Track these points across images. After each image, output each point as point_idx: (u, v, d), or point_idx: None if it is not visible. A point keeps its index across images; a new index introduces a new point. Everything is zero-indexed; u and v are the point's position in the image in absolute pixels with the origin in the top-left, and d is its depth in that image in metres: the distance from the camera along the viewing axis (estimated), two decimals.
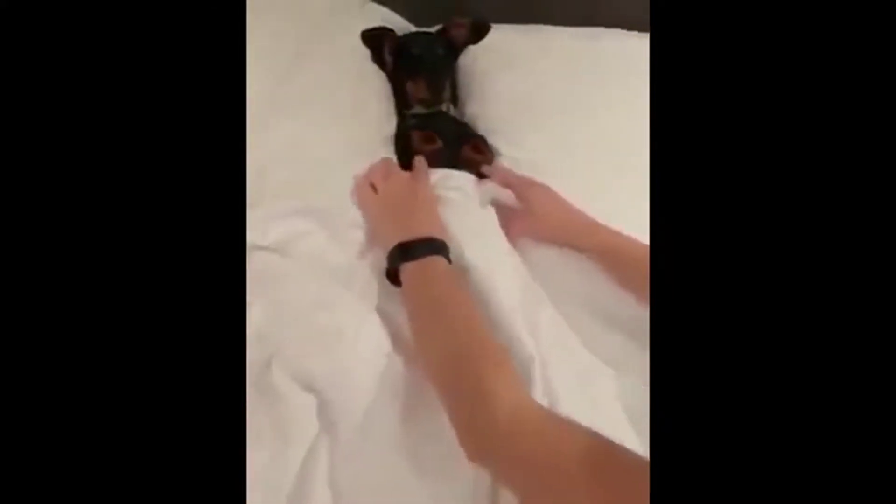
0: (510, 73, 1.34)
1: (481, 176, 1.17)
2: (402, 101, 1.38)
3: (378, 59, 1.37)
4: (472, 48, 1.41)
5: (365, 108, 1.29)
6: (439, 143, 1.25)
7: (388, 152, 1.24)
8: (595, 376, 0.90)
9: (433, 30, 1.43)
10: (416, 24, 1.48)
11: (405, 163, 1.16)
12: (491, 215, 1.05)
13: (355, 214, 1.01)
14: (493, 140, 1.29)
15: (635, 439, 0.79)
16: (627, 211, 1.14)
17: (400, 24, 1.46)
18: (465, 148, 1.26)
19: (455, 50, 1.42)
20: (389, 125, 1.33)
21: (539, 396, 0.80)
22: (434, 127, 1.30)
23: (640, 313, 0.90)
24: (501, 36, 1.39)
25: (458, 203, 1.04)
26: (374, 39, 1.36)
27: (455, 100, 1.42)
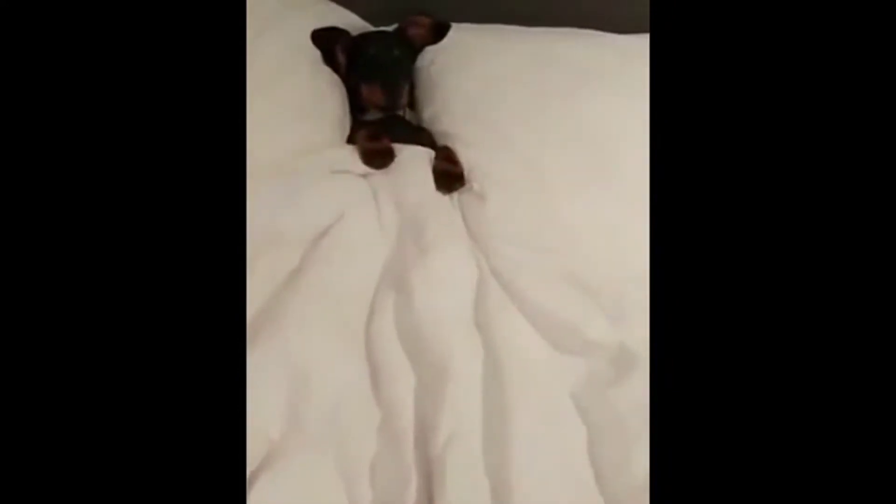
0: (468, 75, 1.30)
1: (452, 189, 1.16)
2: (357, 105, 1.33)
3: (330, 60, 1.31)
4: (430, 49, 1.36)
5: (320, 109, 1.24)
6: (386, 142, 1.19)
7: (344, 157, 1.18)
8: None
9: (390, 29, 1.38)
10: (373, 24, 1.42)
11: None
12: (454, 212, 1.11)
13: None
14: (448, 144, 1.26)
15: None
16: (587, 214, 1.14)
17: (356, 23, 1.40)
18: (437, 159, 1.21)
19: (413, 51, 1.37)
20: (346, 128, 1.29)
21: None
22: (389, 131, 1.25)
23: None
24: (460, 36, 1.36)
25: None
26: (326, 40, 1.30)
27: (412, 103, 1.37)
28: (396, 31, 1.36)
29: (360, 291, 0.96)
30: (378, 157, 1.16)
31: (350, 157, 1.17)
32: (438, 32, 1.35)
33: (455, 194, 1.18)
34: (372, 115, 1.31)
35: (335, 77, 1.30)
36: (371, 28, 1.41)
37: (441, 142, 1.28)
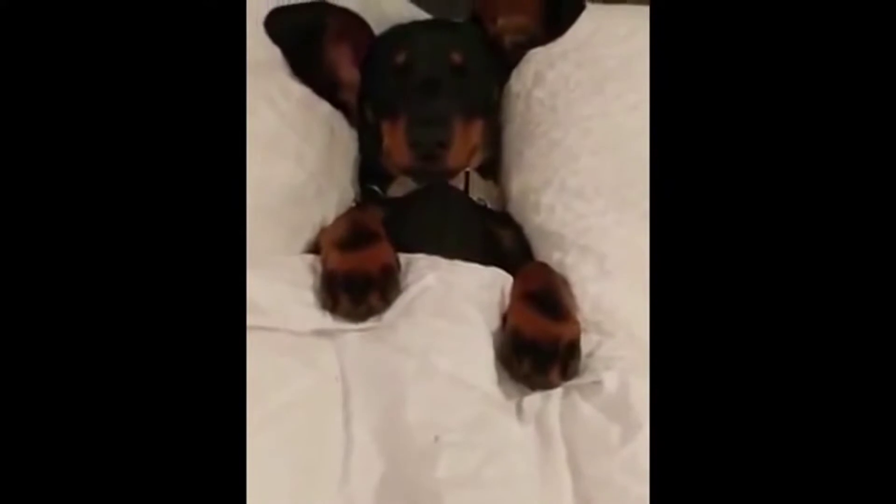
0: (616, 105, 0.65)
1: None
2: (371, 165, 0.71)
3: (309, 75, 0.70)
4: (536, 53, 0.70)
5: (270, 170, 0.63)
6: (378, 252, 0.54)
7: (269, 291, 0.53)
8: None
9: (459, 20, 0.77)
10: (432, 11, 0.80)
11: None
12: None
13: None
14: (557, 259, 0.62)
15: None
16: None
17: (394, 9, 0.78)
18: (515, 303, 0.56)
19: (499, 57, 0.73)
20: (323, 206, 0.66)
21: None
22: (413, 224, 0.62)
23: None
24: (602, 22, 0.70)
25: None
26: (300, 27, 0.71)
27: (493, 165, 0.71)
28: (469, 20, 0.74)
29: None
30: (348, 291, 0.51)
31: (287, 288, 0.53)
32: (558, 19, 0.70)
33: (554, 397, 0.50)
34: (399, 188, 0.67)
35: (309, 108, 0.67)
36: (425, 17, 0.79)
37: (542, 251, 0.65)
